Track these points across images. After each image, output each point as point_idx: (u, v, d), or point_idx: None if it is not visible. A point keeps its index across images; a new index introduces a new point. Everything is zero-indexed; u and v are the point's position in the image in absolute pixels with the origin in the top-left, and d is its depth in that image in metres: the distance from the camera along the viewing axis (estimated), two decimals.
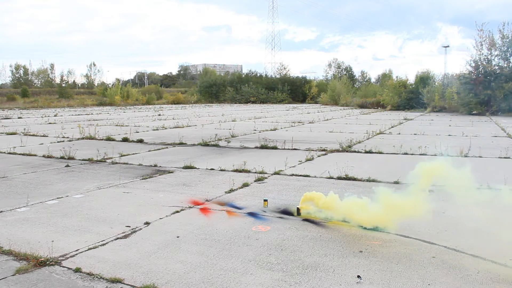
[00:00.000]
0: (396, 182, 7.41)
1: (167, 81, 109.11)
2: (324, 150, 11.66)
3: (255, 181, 7.75)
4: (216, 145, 12.92)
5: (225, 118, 26.12)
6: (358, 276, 3.77)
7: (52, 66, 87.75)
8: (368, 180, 7.70)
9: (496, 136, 15.52)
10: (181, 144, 13.20)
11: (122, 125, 20.50)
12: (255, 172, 8.54)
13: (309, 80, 66.91)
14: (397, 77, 46.14)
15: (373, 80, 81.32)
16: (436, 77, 40.69)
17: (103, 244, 4.60)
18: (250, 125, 20.28)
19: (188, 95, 64.46)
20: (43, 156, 10.87)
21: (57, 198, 6.60)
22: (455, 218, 5.38)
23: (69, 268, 3.96)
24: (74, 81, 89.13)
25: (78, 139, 14.76)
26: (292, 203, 6.06)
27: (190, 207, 6.04)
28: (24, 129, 18.17)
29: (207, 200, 6.42)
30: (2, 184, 7.61)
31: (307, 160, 10.04)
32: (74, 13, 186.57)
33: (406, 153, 11.00)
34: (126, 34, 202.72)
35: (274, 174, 8.42)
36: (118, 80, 68.45)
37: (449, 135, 16.00)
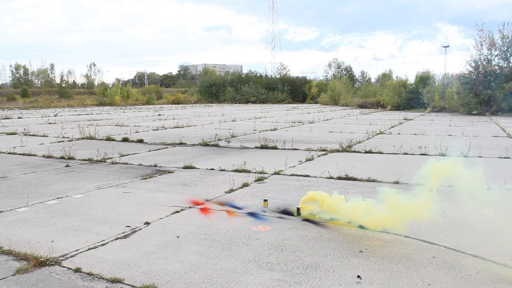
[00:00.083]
0: (396, 182, 7.43)
1: (167, 81, 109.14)
2: (324, 150, 11.66)
3: (255, 181, 7.76)
4: (216, 145, 12.92)
5: (225, 118, 26.13)
6: (358, 276, 3.77)
7: (52, 66, 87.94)
8: (368, 180, 7.70)
9: (496, 136, 15.53)
10: (181, 144, 13.20)
11: (122, 125, 20.50)
12: (255, 172, 8.54)
13: (309, 80, 66.89)
14: (397, 77, 46.11)
15: (373, 80, 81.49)
16: (436, 77, 40.82)
17: (103, 244, 4.60)
18: (250, 125, 20.28)
19: (188, 95, 64.46)
20: (43, 156, 10.87)
21: (57, 198, 6.60)
22: (455, 218, 5.40)
23: (69, 268, 3.96)
24: (74, 81, 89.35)
25: (78, 139, 14.76)
26: (292, 203, 6.06)
27: (190, 207, 6.04)
28: (24, 129, 18.18)
29: (207, 200, 6.42)
30: (2, 184, 7.61)
31: (307, 160, 10.04)
32: (74, 13, 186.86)
33: (406, 153, 11.01)
34: (126, 34, 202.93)
35: (274, 174, 8.42)
36: (118, 80, 68.59)
37: (449, 135, 16.00)
